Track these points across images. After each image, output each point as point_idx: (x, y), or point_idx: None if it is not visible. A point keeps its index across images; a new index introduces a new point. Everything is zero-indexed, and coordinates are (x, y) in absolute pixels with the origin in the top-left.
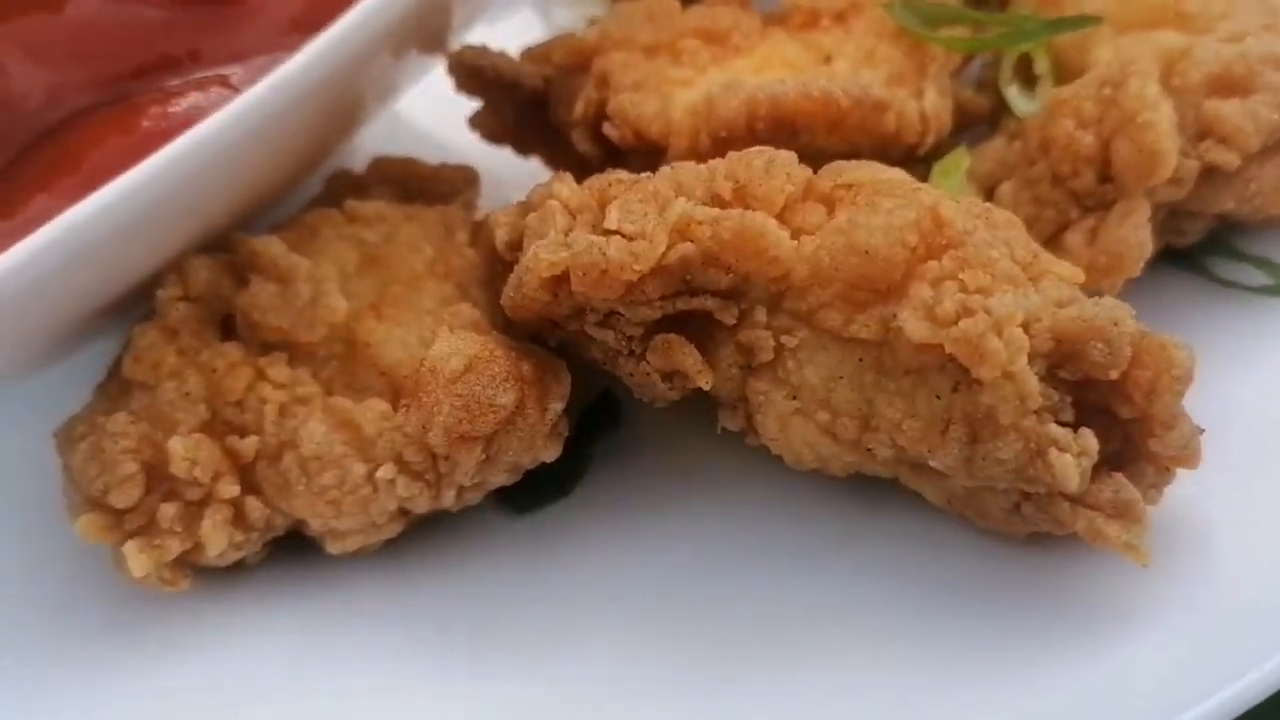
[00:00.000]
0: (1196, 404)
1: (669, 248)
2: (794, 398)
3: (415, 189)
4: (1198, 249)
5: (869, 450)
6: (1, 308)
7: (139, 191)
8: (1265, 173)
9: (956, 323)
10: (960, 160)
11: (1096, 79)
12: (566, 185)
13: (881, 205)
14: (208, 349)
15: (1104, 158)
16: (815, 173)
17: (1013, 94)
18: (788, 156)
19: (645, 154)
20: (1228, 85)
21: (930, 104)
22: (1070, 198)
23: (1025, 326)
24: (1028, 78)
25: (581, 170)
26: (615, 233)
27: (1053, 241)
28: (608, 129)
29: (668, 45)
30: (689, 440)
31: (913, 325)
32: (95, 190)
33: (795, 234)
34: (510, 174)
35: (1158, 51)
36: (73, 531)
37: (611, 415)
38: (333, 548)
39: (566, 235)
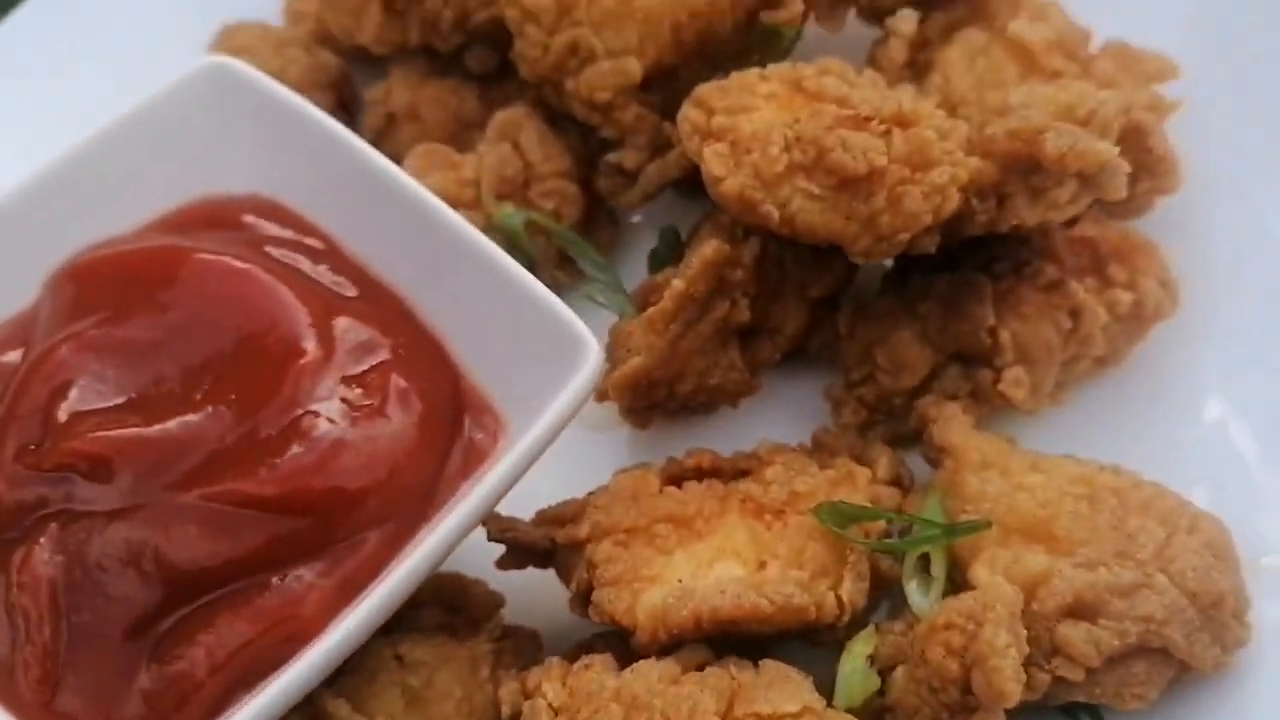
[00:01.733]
0: None
1: None
2: None
3: (458, 605)
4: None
5: None
6: None
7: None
8: (1107, 680)
9: None
10: (866, 644)
11: (965, 611)
12: (552, 687)
13: None
14: None
15: (965, 679)
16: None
17: (911, 589)
18: (708, 701)
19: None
20: (1078, 611)
21: (847, 591)
22: (941, 705)
23: None
24: (928, 568)
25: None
26: None
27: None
28: (591, 612)
29: (644, 529)
30: None
31: None
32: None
33: None
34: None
35: (1024, 576)
36: None
37: None
38: None
39: None
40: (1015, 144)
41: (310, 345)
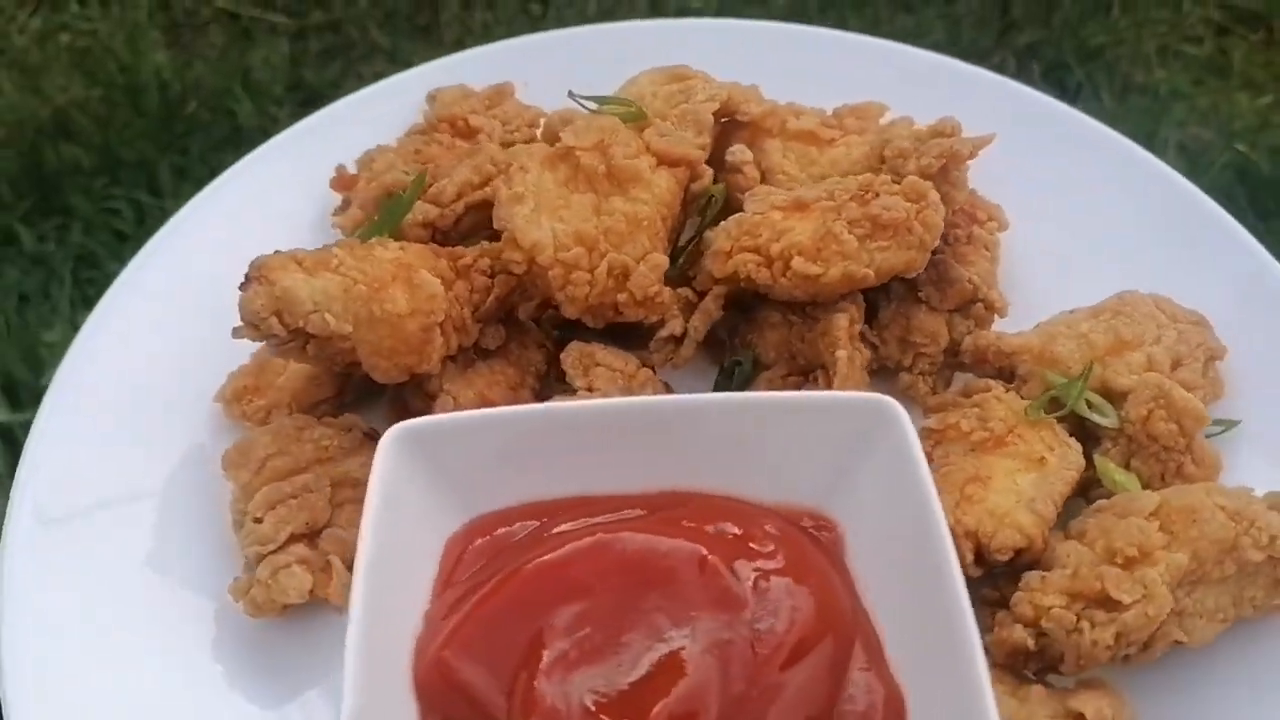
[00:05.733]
0: None
1: None
2: None
3: None
4: None
5: None
6: None
7: None
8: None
9: None
10: (1108, 460)
11: (1148, 397)
12: None
13: None
14: None
15: (1179, 429)
16: None
17: (1098, 419)
18: None
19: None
20: (1175, 365)
21: (1076, 447)
22: (1172, 453)
23: None
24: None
25: None
26: None
27: (1177, 474)
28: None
29: (958, 489)
30: None
31: None
32: None
33: None
34: None
35: (1141, 368)
36: None
37: None
38: None
39: None
40: (943, 161)
41: (700, 549)
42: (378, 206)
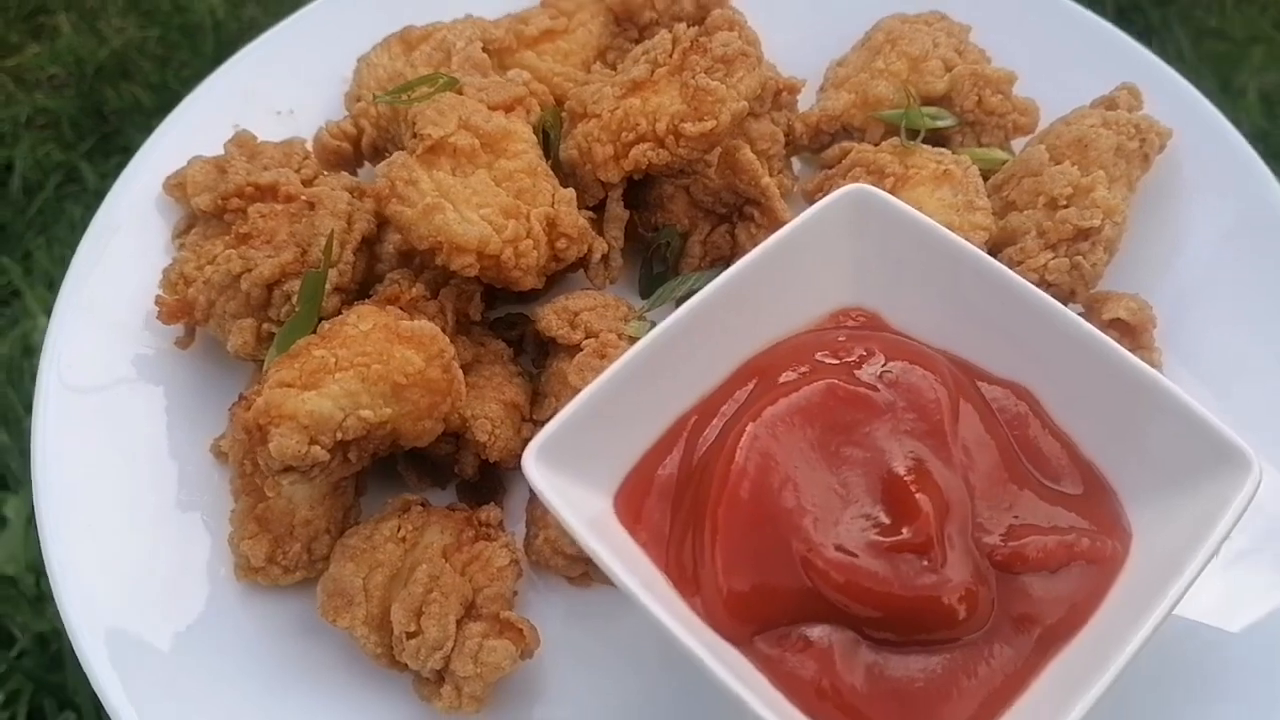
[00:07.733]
0: None
1: None
2: None
3: None
4: None
5: None
6: None
7: None
8: None
9: None
10: (968, 149)
11: (968, 87)
12: None
13: None
14: None
15: (1005, 94)
16: None
17: (942, 124)
18: None
19: None
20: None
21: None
22: (1006, 117)
23: None
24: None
25: None
26: None
27: (1015, 130)
28: None
29: None
30: None
31: None
32: None
33: None
34: None
35: (941, 68)
36: None
37: None
38: None
39: None
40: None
41: (829, 381)
42: (257, 306)
